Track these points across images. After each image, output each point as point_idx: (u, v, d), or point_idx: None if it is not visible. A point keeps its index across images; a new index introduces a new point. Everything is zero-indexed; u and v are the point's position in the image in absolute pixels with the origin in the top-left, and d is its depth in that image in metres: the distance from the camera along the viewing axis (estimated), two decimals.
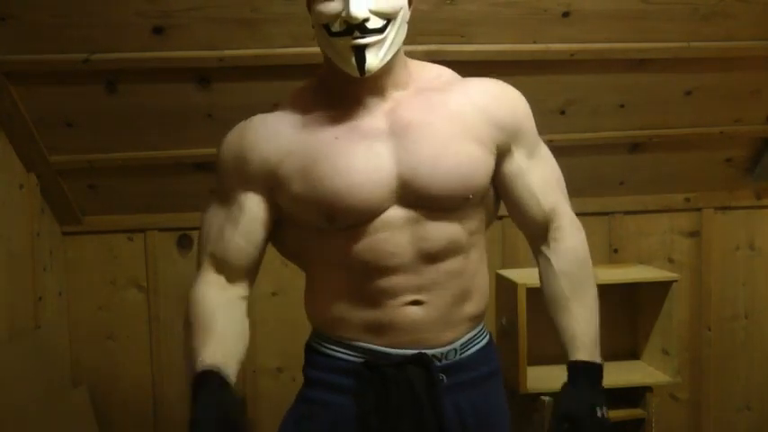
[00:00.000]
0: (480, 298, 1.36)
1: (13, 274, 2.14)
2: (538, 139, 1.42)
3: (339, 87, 1.30)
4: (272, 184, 1.29)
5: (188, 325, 1.27)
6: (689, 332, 2.74)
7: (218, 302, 1.28)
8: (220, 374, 1.17)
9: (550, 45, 2.18)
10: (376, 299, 1.28)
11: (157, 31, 1.98)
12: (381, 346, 1.29)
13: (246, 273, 1.33)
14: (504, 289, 2.20)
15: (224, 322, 1.26)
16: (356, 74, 1.23)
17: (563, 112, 2.38)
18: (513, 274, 2.22)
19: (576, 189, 2.59)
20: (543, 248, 1.41)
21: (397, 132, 1.27)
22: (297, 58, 2.05)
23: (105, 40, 1.98)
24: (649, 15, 2.16)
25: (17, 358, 2.05)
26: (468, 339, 1.34)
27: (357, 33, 1.20)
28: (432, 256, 1.28)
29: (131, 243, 2.48)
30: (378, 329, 1.29)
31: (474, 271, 1.34)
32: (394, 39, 1.24)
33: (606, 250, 2.70)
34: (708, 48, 2.26)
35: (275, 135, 1.29)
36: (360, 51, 1.21)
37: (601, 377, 1.37)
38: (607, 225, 2.69)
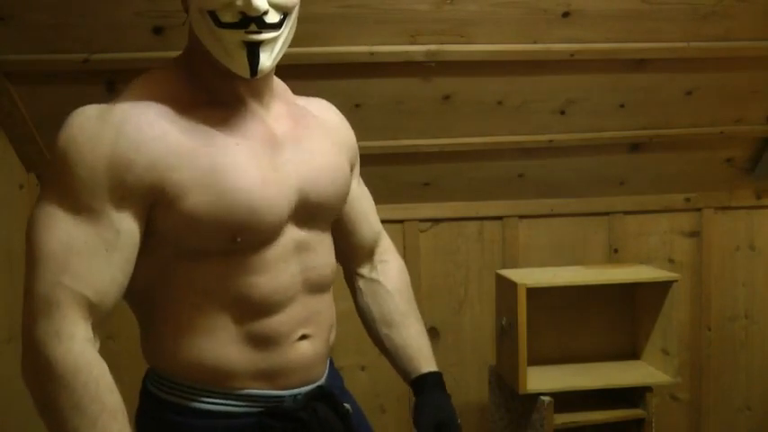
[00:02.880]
0: (334, 327, 1.28)
1: (13, 274, 2.13)
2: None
3: (215, 85, 1.12)
4: (156, 197, 1.03)
5: (71, 407, 1.02)
6: (689, 332, 2.74)
7: (106, 376, 1.06)
8: None
9: (550, 45, 2.18)
10: (268, 338, 1.12)
11: (157, 31, 1.98)
12: (275, 389, 1.14)
13: (109, 317, 1.08)
14: (504, 289, 2.20)
15: (122, 408, 1.09)
16: (246, 74, 1.06)
17: (563, 112, 2.38)
18: (512, 274, 2.22)
19: (576, 189, 2.63)
20: (366, 271, 1.40)
21: (289, 143, 1.15)
22: (296, 57, 2.05)
23: (105, 40, 1.98)
24: (649, 15, 2.15)
25: (17, 358, 2.05)
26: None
27: (253, 27, 1.04)
28: (317, 287, 1.19)
29: None
30: (271, 373, 1.13)
31: (332, 302, 1.27)
32: (287, 37, 1.10)
33: (606, 250, 2.70)
34: (708, 48, 2.26)
35: (163, 135, 1.04)
36: (254, 48, 1.05)
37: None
38: (607, 225, 2.69)
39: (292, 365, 1.15)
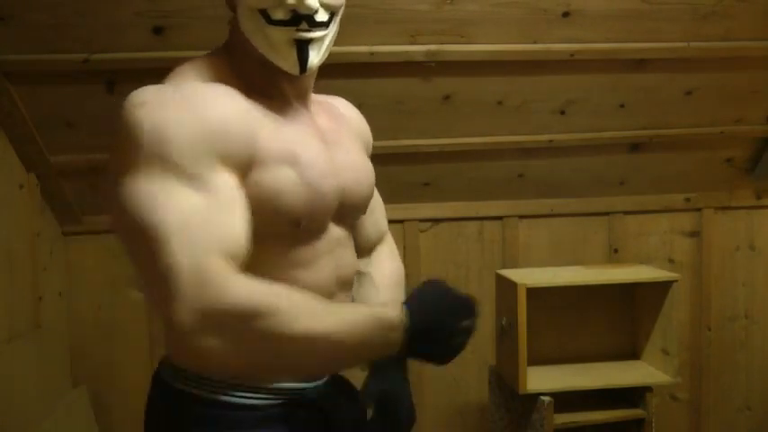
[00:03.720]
0: None
1: (13, 274, 2.13)
2: None
3: (261, 82, 1.12)
4: (248, 162, 1.02)
5: (299, 315, 0.96)
6: (689, 332, 2.74)
7: (283, 287, 0.99)
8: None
9: (550, 45, 2.18)
10: None
11: (157, 31, 1.98)
12: (300, 381, 1.13)
13: None
14: (503, 289, 2.20)
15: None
16: (295, 71, 1.08)
17: (563, 112, 2.38)
18: (512, 274, 2.22)
19: (576, 189, 2.63)
20: (362, 265, 1.35)
21: (332, 141, 1.17)
22: None
23: (105, 40, 1.98)
24: (649, 15, 2.16)
25: (17, 358, 2.05)
26: None
27: (304, 25, 1.06)
28: (345, 284, 1.19)
29: None
30: None
31: None
32: (333, 36, 1.13)
33: (606, 250, 2.70)
34: (708, 48, 2.26)
35: (248, 109, 1.05)
36: (303, 46, 1.06)
37: None
38: (607, 225, 2.69)
39: None
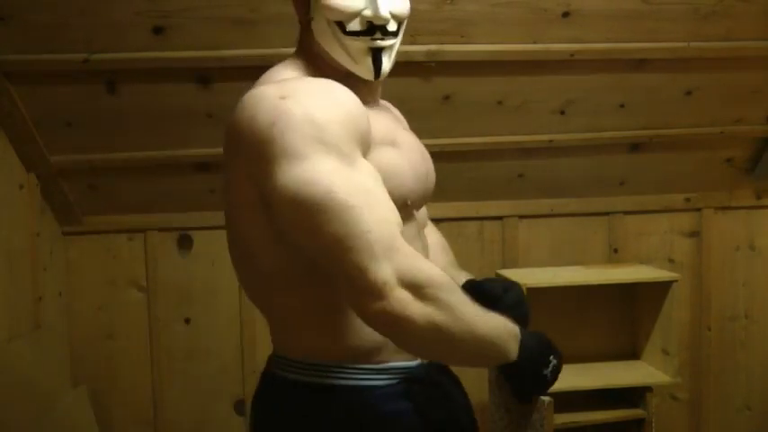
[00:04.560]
0: None
1: (13, 274, 2.13)
2: None
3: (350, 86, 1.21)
4: (367, 145, 1.11)
5: (464, 304, 1.06)
6: (689, 332, 2.74)
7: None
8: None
9: (550, 45, 2.18)
10: None
11: (157, 31, 1.98)
12: (408, 360, 1.20)
13: None
14: None
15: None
16: (370, 77, 1.18)
17: (563, 112, 2.38)
18: (512, 274, 2.22)
19: (576, 189, 2.63)
20: None
21: (402, 140, 1.28)
22: None
23: (105, 40, 1.98)
24: (649, 15, 2.16)
25: (17, 358, 2.05)
26: None
27: (378, 35, 1.16)
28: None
29: (131, 243, 2.47)
30: None
31: None
32: (398, 43, 1.23)
33: (606, 250, 2.70)
34: (708, 48, 2.26)
35: (353, 95, 1.13)
36: (378, 54, 1.17)
37: None
38: (607, 225, 2.69)
39: None
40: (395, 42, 1.20)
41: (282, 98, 1.04)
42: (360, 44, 1.15)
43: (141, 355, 2.49)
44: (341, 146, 1.03)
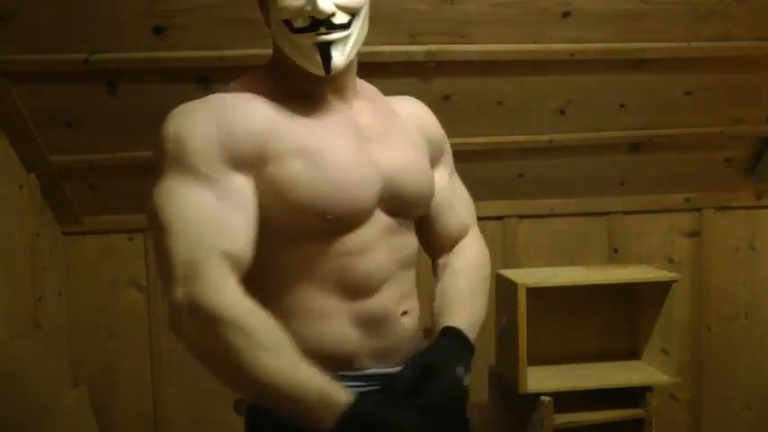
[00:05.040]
0: None
1: (13, 274, 2.13)
2: (452, 161, 1.48)
3: (300, 86, 1.21)
4: (260, 161, 1.11)
5: (256, 348, 1.02)
6: (689, 332, 2.74)
7: (266, 314, 1.06)
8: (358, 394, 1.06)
9: (550, 45, 2.18)
10: (378, 316, 1.20)
11: (157, 31, 1.98)
12: (390, 367, 1.20)
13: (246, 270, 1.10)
14: (504, 289, 2.20)
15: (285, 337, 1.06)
16: (321, 72, 1.16)
17: (563, 112, 2.38)
18: (513, 274, 2.22)
19: (576, 189, 2.63)
20: (444, 259, 1.41)
21: (373, 137, 1.23)
22: None
23: (105, 40, 1.98)
24: (649, 15, 2.16)
25: (17, 358, 2.05)
26: None
27: (323, 29, 1.14)
28: (406, 263, 1.27)
29: (131, 243, 2.47)
30: (386, 350, 1.21)
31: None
32: (358, 35, 1.19)
33: (606, 250, 2.70)
34: (708, 48, 2.26)
35: (256, 109, 1.14)
36: (325, 48, 1.15)
37: (470, 354, 1.24)
38: (607, 225, 2.69)
39: (402, 341, 1.23)
40: (346, 35, 1.16)
41: (170, 118, 1.13)
42: (306, 40, 1.15)
43: (141, 355, 2.49)
44: (199, 166, 1.08)
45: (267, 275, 1.16)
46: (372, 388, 1.18)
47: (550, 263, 2.59)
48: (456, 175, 1.48)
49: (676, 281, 2.21)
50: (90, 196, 2.38)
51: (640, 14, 2.15)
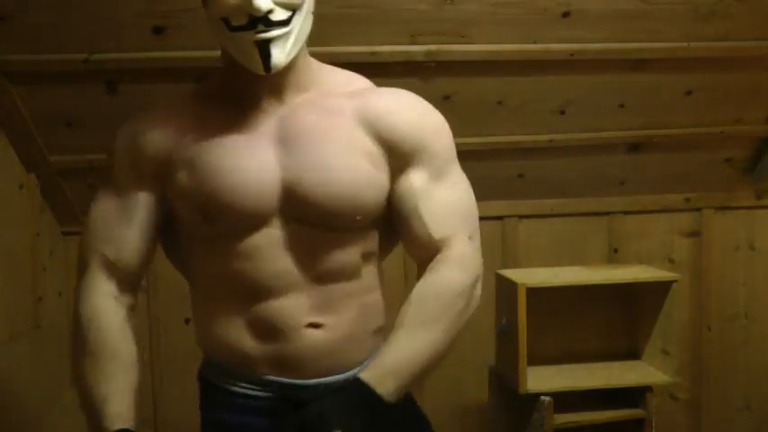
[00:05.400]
0: (381, 313, 1.26)
1: (13, 274, 2.13)
2: (450, 164, 1.25)
3: (239, 87, 1.20)
4: (163, 174, 1.19)
5: (83, 350, 1.16)
6: (689, 332, 2.74)
7: (116, 323, 1.18)
8: None
9: (550, 45, 2.18)
10: (272, 323, 1.16)
11: (157, 31, 1.98)
12: (291, 378, 1.18)
13: (137, 278, 1.23)
14: (503, 289, 2.20)
15: (126, 351, 1.18)
16: (261, 71, 1.12)
17: (563, 112, 2.38)
18: (512, 274, 2.21)
19: (576, 189, 2.63)
20: (422, 272, 1.23)
21: (287, 139, 1.17)
22: None
23: (105, 40, 1.98)
24: (649, 15, 2.15)
25: (17, 358, 2.05)
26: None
27: (261, 27, 1.09)
28: (325, 276, 1.17)
29: None
30: (282, 359, 1.17)
31: (369, 290, 1.24)
32: (299, 31, 1.14)
33: (606, 250, 2.70)
34: (708, 48, 2.26)
35: (167, 125, 1.20)
36: (264, 46, 1.11)
37: (371, 410, 1.08)
38: (607, 225, 2.69)
39: (308, 354, 1.17)
40: (286, 31, 1.11)
41: (124, 123, 1.26)
42: (245, 38, 1.11)
43: (141, 354, 2.48)
44: (116, 175, 1.23)
45: (190, 274, 1.28)
46: (268, 395, 1.19)
47: (550, 263, 2.59)
48: (449, 180, 1.24)
49: (676, 281, 2.21)
50: (90, 196, 2.34)
51: (640, 14, 2.15)
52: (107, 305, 1.19)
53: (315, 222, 1.16)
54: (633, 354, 2.38)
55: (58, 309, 2.39)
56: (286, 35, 1.12)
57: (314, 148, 1.16)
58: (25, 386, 2.06)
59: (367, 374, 1.10)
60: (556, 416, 2.13)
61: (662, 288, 2.22)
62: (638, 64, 2.29)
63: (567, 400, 2.17)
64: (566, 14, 2.12)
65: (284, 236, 1.16)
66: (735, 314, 2.79)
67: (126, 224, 1.21)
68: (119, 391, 1.12)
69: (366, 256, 1.22)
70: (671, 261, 2.73)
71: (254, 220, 1.16)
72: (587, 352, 2.36)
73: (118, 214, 1.21)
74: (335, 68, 1.29)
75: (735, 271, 2.78)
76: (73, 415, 2.28)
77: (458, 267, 1.19)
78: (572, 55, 2.21)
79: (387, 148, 1.20)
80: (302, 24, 1.15)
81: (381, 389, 1.09)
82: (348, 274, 1.19)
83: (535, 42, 2.17)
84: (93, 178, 2.33)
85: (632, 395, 2.23)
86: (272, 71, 1.13)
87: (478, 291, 1.23)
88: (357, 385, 1.09)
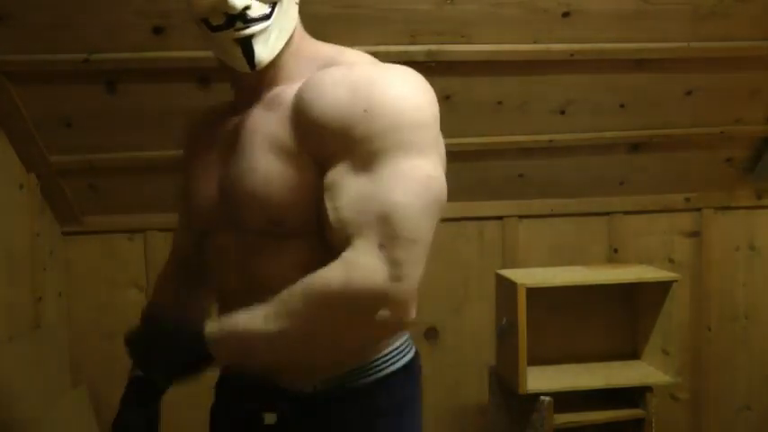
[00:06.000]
0: None
1: (13, 274, 2.13)
2: (384, 153, 0.98)
3: (235, 85, 1.20)
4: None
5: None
6: (689, 332, 2.74)
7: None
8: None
9: (550, 45, 2.18)
10: None
11: (157, 31, 1.98)
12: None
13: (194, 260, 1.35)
14: (503, 289, 2.20)
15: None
16: (246, 68, 1.09)
17: (563, 112, 2.38)
18: (512, 274, 2.21)
19: (576, 189, 2.63)
20: None
21: (236, 143, 1.12)
22: None
23: (105, 40, 1.98)
24: (649, 15, 2.16)
25: (17, 358, 2.05)
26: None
27: (239, 24, 1.06)
28: (257, 288, 1.06)
29: (131, 243, 2.48)
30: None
31: None
32: (283, 24, 1.10)
33: (606, 250, 2.70)
34: (708, 48, 2.26)
35: (195, 136, 1.29)
36: (246, 43, 1.07)
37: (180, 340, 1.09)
38: (607, 225, 2.69)
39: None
40: (267, 26, 1.07)
41: None
42: (225, 37, 1.07)
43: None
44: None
45: None
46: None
47: (550, 263, 2.59)
48: (377, 173, 0.98)
49: (676, 281, 2.21)
50: (90, 196, 2.38)
51: (640, 14, 2.15)
52: (169, 276, 1.44)
53: (242, 228, 1.10)
54: (633, 354, 2.38)
55: (58, 309, 2.39)
56: (267, 29, 1.08)
57: (240, 148, 1.11)
58: (25, 386, 2.06)
59: (208, 326, 1.06)
60: (556, 416, 2.13)
61: (662, 288, 2.23)
62: (638, 64, 2.29)
63: (567, 400, 2.17)
64: (566, 14, 2.12)
65: (229, 245, 1.15)
66: (735, 314, 2.79)
67: (180, 215, 1.41)
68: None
69: (304, 268, 1.01)
70: (671, 261, 2.73)
71: (203, 226, 1.21)
72: (587, 352, 2.36)
73: (180, 209, 1.41)
74: (344, 50, 1.16)
75: (735, 271, 2.78)
76: (73, 415, 2.28)
77: (343, 270, 0.97)
78: (572, 55, 2.21)
79: (310, 138, 1.03)
80: (285, 17, 1.10)
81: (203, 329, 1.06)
82: (279, 285, 1.01)
83: (535, 42, 2.17)
84: (93, 178, 2.34)
85: (632, 395, 2.23)
86: (257, 68, 1.09)
87: (371, 311, 0.97)
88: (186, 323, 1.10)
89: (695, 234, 2.75)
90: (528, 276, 2.17)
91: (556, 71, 2.26)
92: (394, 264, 0.96)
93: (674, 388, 2.68)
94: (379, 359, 1.17)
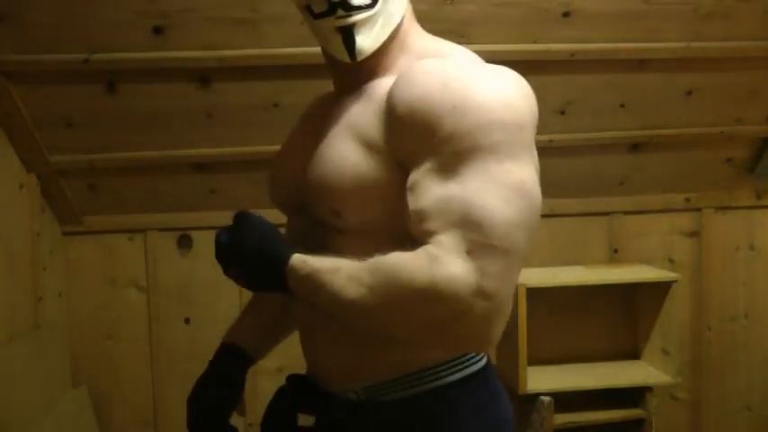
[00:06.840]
0: None
1: (13, 274, 2.13)
2: (470, 156, 0.91)
3: (333, 75, 1.17)
4: None
5: None
6: (689, 332, 2.74)
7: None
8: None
9: (550, 45, 2.18)
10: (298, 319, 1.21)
11: (157, 31, 1.98)
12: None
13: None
14: None
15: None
16: (347, 58, 1.05)
17: (563, 112, 2.38)
18: None
19: (576, 189, 2.63)
20: None
21: (321, 128, 1.11)
22: (296, 57, 2.05)
23: (105, 40, 1.98)
24: (649, 15, 2.15)
25: (17, 358, 2.05)
26: None
27: (341, 12, 1.02)
28: None
29: (131, 243, 2.48)
30: (308, 358, 1.21)
31: None
32: (388, 13, 1.06)
33: (606, 250, 2.70)
34: (708, 48, 2.26)
35: (305, 117, 1.28)
36: (347, 32, 1.03)
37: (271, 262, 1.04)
38: (607, 225, 2.69)
39: (317, 356, 1.18)
40: (369, 15, 1.03)
41: None
42: (327, 25, 1.04)
43: (141, 355, 2.49)
44: None
45: None
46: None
47: (550, 263, 2.59)
48: (460, 174, 0.92)
49: (676, 281, 2.21)
50: (90, 196, 2.38)
51: (640, 14, 2.15)
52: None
53: (311, 214, 1.10)
54: (633, 354, 2.39)
55: (58, 309, 2.39)
56: (371, 18, 1.04)
57: (327, 135, 1.07)
58: (25, 386, 2.06)
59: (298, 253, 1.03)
60: (556, 416, 2.13)
61: (662, 288, 2.23)
62: (639, 64, 2.29)
63: (567, 400, 2.17)
64: (566, 14, 2.12)
65: (301, 227, 1.16)
66: (735, 314, 2.79)
67: None
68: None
69: None
70: (671, 261, 2.73)
71: (285, 208, 1.21)
72: (587, 352, 2.37)
73: None
74: (443, 43, 1.15)
75: (735, 271, 2.77)
76: (73, 415, 2.28)
77: (425, 263, 0.90)
78: (572, 55, 2.21)
79: (395, 132, 0.98)
80: (390, 5, 1.07)
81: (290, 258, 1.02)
82: None
83: (535, 42, 2.17)
84: (93, 178, 2.34)
85: (632, 395, 2.23)
86: (358, 58, 1.05)
87: (444, 312, 0.88)
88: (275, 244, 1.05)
89: (695, 234, 2.75)
90: (528, 276, 2.17)
91: (556, 71, 2.26)
92: (483, 274, 0.88)
93: (674, 388, 2.67)
94: (438, 366, 1.08)
